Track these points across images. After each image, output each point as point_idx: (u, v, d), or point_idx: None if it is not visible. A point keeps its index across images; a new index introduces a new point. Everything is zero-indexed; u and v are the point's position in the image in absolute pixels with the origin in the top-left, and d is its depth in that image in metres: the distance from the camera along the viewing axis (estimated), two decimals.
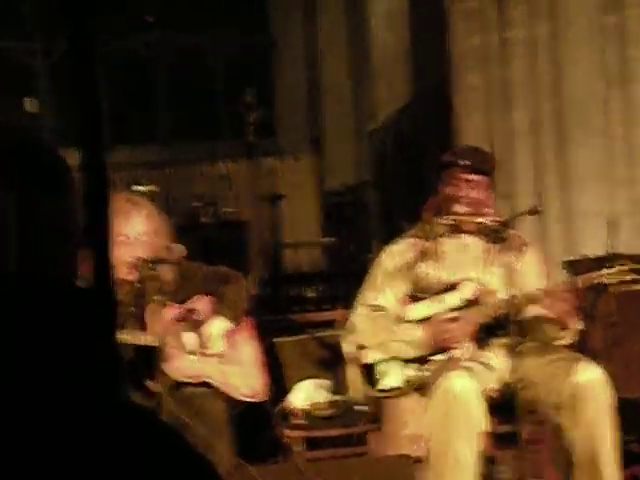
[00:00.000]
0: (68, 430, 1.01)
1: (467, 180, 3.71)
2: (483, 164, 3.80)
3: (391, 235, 4.03)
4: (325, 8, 12.23)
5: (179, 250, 3.63)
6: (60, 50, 12.01)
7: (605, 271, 3.51)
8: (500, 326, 3.64)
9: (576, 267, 5.40)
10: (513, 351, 3.37)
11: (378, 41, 11.03)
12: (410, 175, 9.68)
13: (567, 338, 3.66)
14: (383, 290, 3.81)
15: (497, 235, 3.50)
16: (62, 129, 11.23)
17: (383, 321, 3.76)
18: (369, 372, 3.81)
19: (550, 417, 3.48)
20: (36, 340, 1.02)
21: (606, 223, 5.63)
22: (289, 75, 12.59)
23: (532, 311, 3.63)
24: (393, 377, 3.75)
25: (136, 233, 3.72)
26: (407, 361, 3.73)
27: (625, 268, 3.50)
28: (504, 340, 3.64)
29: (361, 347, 3.83)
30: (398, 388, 3.74)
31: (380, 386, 3.77)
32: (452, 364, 3.58)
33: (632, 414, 4.20)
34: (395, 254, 3.83)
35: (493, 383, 3.69)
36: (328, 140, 12.34)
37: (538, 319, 3.62)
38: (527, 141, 6.46)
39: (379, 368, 3.78)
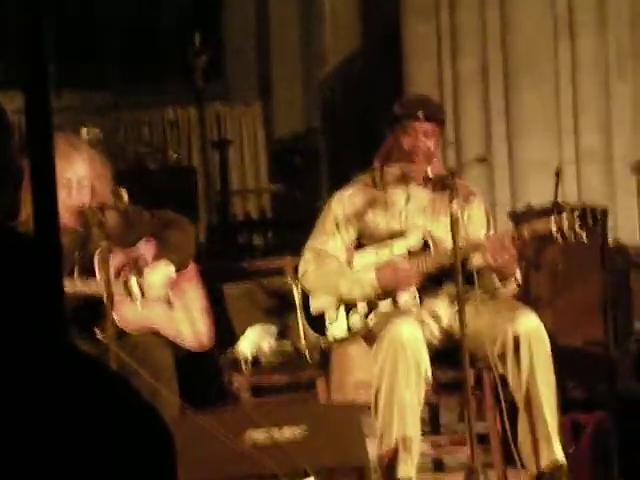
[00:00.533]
0: (13, 377, 1.00)
1: (423, 129, 3.71)
2: (437, 113, 3.82)
3: (340, 183, 4.03)
4: None
5: (124, 195, 3.58)
6: None
7: (552, 220, 3.54)
8: (445, 275, 3.67)
9: (522, 217, 5.45)
10: (458, 300, 3.40)
11: None
12: (359, 123, 9.66)
13: (509, 289, 3.70)
14: (332, 235, 3.81)
15: (444, 184, 3.52)
16: (5, 69, 11.04)
17: (333, 262, 3.77)
18: (317, 320, 3.83)
19: (492, 364, 3.53)
20: None
21: (552, 172, 5.67)
22: (238, 20, 12.46)
23: (476, 260, 3.67)
24: (339, 327, 3.78)
25: (77, 177, 3.67)
26: (353, 308, 3.75)
27: (571, 217, 3.52)
28: (449, 289, 3.67)
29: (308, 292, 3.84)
30: (344, 337, 3.77)
31: (328, 336, 3.79)
32: (399, 312, 3.61)
33: (574, 361, 4.28)
34: (345, 201, 3.83)
35: (437, 331, 3.73)
36: (277, 87, 12.26)
37: (481, 268, 3.66)
38: (475, 89, 6.48)
39: (328, 316, 3.79)
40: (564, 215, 3.52)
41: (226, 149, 10.46)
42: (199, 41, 9.78)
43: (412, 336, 3.47)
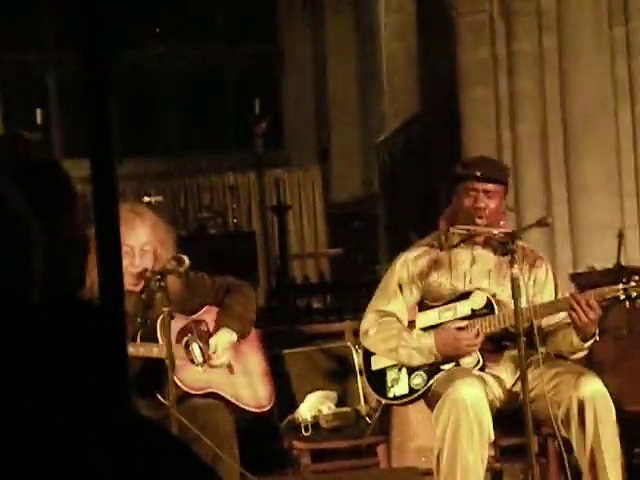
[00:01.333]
0: (77, 443, 1.01)
1: (485, 190, 3.70)
2: (499, 173, 3.81)
3: (399, 247, 4.03)
4: (334, 19, 12.25)
5: (186, 261, 3.62)
6: (70, 61, 12.05)
7: (621, 286, 3.51)
8: (509, 337, 3.64)
9: (584, 279, 5.39)
10: (520, 364, 3.36)
11: (386, 53, 11.05)
12: (417, 187, 9.68)
13: (586, 350, 3.66)
14: (395, 297, 3.80)
15: (505, 247, 3.49)
16: (71, 140, 11.27)
17: (393, 326, 3.76)
18: (378, 380, 3.81)
19: (557, 430, 3.47)
20: (46, 355, 1.02)
21: (614, 235, 5.62)
22: (297, 87, 12.61)
23: (554, 319, 3.63)
24: (401, 388, 3.75)
25: (140, 243, 3.72)
26: (415, 370, 3.72)
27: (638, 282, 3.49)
28: (512, 352, 3.63)
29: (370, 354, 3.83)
30: (406, 396, 3.74)
31: (389, 394, 3.77)
32: (461, 373, 3.57)
33: (638, 427, 4.19)
34: (409, 262, 3.82)
35: (500, 394, 3.68)
36: (336, 152, 12.34)
37: (562, 328, 3.61)
38: (534, 153, 6.46)
39: (389, 376, 3.78)
40: (632, 282, 3.49)
41: (285, 214, 10.53)
42: (259, 107, 9.91)
43: (475, 396, 3.43)
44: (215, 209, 11.24)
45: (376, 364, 3.83)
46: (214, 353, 3.79)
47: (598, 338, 3.62)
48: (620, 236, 5.55)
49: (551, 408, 3.44)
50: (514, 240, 3.46)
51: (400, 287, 3.81)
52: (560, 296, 3.78)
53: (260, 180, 10.52)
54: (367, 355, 3.86)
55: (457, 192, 3.78)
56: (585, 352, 3.68)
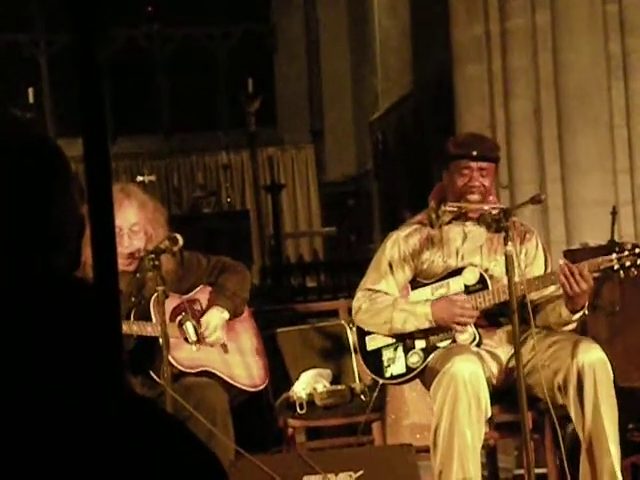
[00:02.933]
0: (71, 421, 1.01)
1: (479, 168, 3.70)
2: (492, 151, 3.81)
3: (393, 225, 4.03)
4: None
5: (179, 240, 3.62)
6: (62, 41, 12.00)
7: (614, 255, 3.51)
8: (502, 313, 3.65)
9: (577, 256, 5.40)
10: (514, 339, 3.37)
11: (379, 31, 11.02)
12: (411, 165, 9.68)
13: (574, 323, 3.67)
14: (385, 276, 3.81)
15: (499, 224, 3.50)
16: (64, 119, 11.23)
17: (385, 299, 3.75)
18: (374, 360, 3.82)
19: (553, 402, 3.48)
20: (40, 333, 1.03)
21: (607, 212, 5.62)
22: (290, 65, 12.58)
23: (545, 292, 3.64)
24: (397, 366, 3.76)
25: (129, 224, 3.71)
26: (411, 348, 3.73)
27: (635, 251, 3.50)
28: (507, 328, 3.64)
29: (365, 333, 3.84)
30: (403, 375, 3.75)
31: (386, 374, 3.78)
32: (459, 349, 3.58)
33: (632, 403, 4.21)
34: (400, 241, 3.83)
35: (496, 370, 3.69)
36: (329, 130, 12.33)
37: (551, 300, 3.62)
38: (528, 131, 6.46)
39: (385, 355, 3.78)
40: (625, 252, 3.50)
41: (279, 192, 10.53)
42: (252, 86, 9.89)
43: (473, 372, 3.43)
44: (209, 188, 11.24)
45: (371, 344, 3.83)
46: (205, 330, 3.80)
47: (587, 312, 3.62)
48: (614, 213, 5.56)
49: (545, 379, 3.45)
50: (508, 217, 3.46)
51: (391, 266, 3.81)
52: (550, 269, 3.78)
53: (254, 159, 10.51)
54: (362, 336, 3.86)
55: (449, 170, 3.78)
56: (573, 325, 3.69)
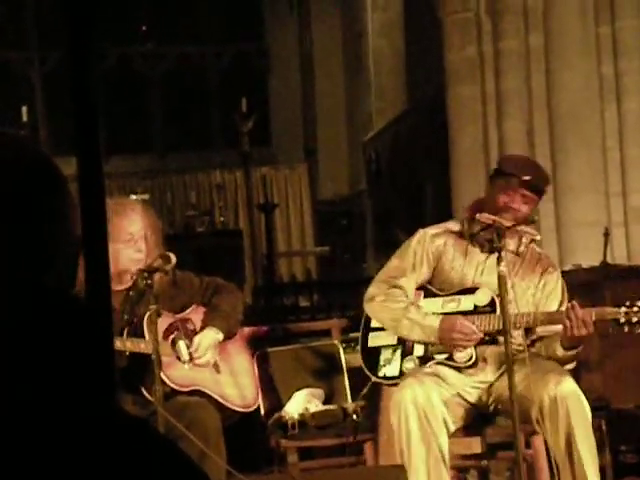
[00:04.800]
0: (61, 440, 1.01)
1: (523, 195, 3.67)
2: (542, 183, 3.77)
3: (386, 244, 4.03)
4: (320, 17, 12.26)
5: (172, 259, 3.62)
6: (55, 59, 12.02)
7: (623, 309, 3.51)
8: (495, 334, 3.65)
9: (570, 277, 5.40)
10: (507, 363, 3.36)
11: (373, 51, 11.05)
12: (405, 185, 9.69)
13: (570, 363, 3.67)
14: (407, 272, 3.78)
15: (492, 245, 3.48)
16: (58, 137, 11.24)
17: (401, 299, 3.74)
18: (372, 357, 3.82)
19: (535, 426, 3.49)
20: (32, 351, 1.02)
21: (600, 233, 5.63)
22: (284, 85, 12.61)
23: (547, 329, 3.64)
24: (392, 368, 3.77)
25: (138, 229, 3.75)
26: (409, 354, 3.73)
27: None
28: (497, 348, 3.64)
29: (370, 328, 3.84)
30: (395, 377, 3.75)
31: (380, 372, 3.78)
32: (411, 372, 3.62)
33: (625, 425, 4.21)
34: (427, 238, 3.80)
35: (480, 389, 3.69)
36: (322, 150, 12.35)
37: (552, 337, 3.62)
38: (521, 151, 6.48)
39: (383, 355, 3.79)
40: (635, 308, 3.49)
41: (272, 212, 10.54)
42: (245, 106, 9.91)
43: (421, 393, 3.49)
44: (202, 207, 11.24)
45: (373, 341, 3.84)
46: (196, 351, 3.78)
47: (581, 348, 3.62)
48: (606, 234, 5.57)
49: (527, 407, 3.46)
50: (501, 238, 3.45)
51: (413, 265, 3.79)
52: (564, 307, 3.73)
53: (247, 178, 10.51)
54: (365, 331, 3.86)
55: (494, 186, 3.74)
56: (572, 365, 3.69)
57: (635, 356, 4.80)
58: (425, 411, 3.47)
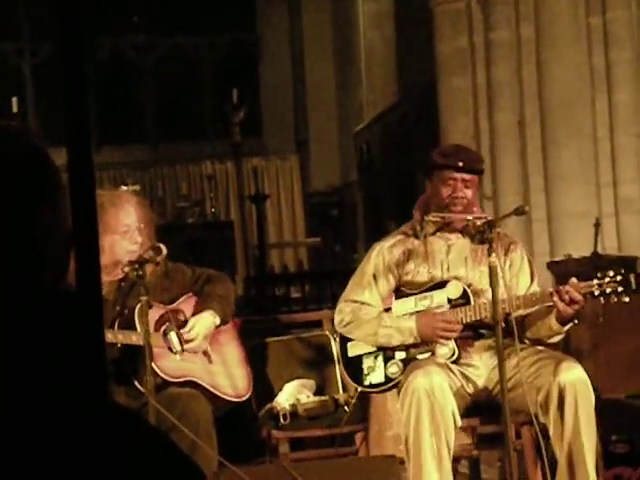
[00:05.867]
0: (52, 432, 1.01)
1: (463, 180, 3.71)
2: (476, 163, 3.81)
3: (377, 235, 4.03)
4: (311, 8, 12.23)
5: (163, 250, 3.63)
6: (47, 50, 11.98)
7: (595, 281, 3.52)
8: (485, 326, 3.65)
9: (561, 268, 5.42)
10: (498, 353, 3.37)
11: (364, 42, 11.04)
12: (396, 176, 9.69)
13: (562, 334, 3.67)
14: (370, 287, 3.81)
15: (483, 236, 3.50)
16: (48, 128, 11.21)
17: (369, 311, 3.77)
18: (355, 367, 3.82)
19: (535, 417, 3.49)
20: (22, 344, 1.02)
21: (590, 224, 5.64)
22: (275, 76, 12.59)
23: (529, 309, 3.65)
24: (377, 376, 3.77)
25: (134, 220, 3.75)
26: (391, 358, 3.74)
27: (617, 278, 3.50)
28: (488, 340, 3.65)
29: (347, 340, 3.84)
30: (382, 384, 3.76)
31: (365, 381, 3.78)
32: (424, 362, 3.60)
33: (616, 415, 4.22)
34: (384, 251, 3.83)
35: (475, 382, 3.70)
36: (314, 141, 12.34)
37: (540, 316, 3.62)
38: (512, 142, 6.49)
39: (365, 364, 3.79)
40: (607, 278, 3.50)
41: (263, 203, 10.53)
42: (236, 97, 9.89)
43: (436, 384, 3.46)
44: (193, 198, 11.23)
45: (352, 351, 3.83)
46: (189, 332, 3.77)
47: (577, 321, 3.63)
48: (597, 225, 5.58)
49: (529, 395, 3.46)
50: (492, 229, 3.47)
51: (375, 277, 3.81)
52: (536, 281, 3.80)
53: (238, 169, 10.50)
54: (344, 342, 3.87)
55: (433, 180, 3.79)
56: (562, 335, 3.70)
57: (625, 346, 4.81)
58: (438, 404, 3.45)
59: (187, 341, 3.78)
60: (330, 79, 12.18)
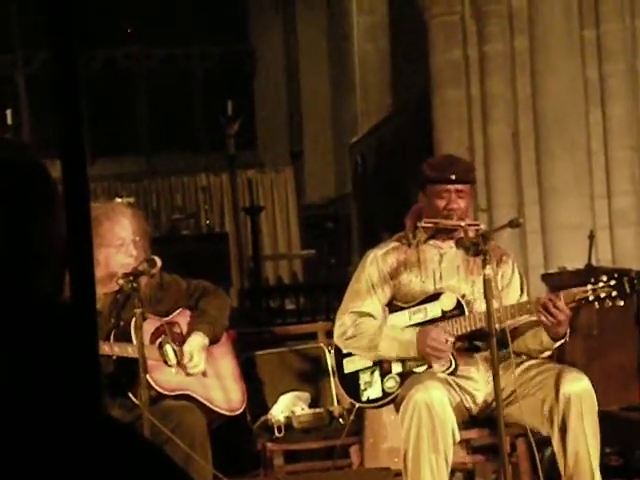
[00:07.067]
0: (45, 446, 1.00)
1: (457, 191, 3.71)
2: (468, 173, 3.81)
3: (372, 247, 4.02)
4: (305, 20, 12.26)
5: (157, 262, 3.62)
6: (40, 61, 11.98)
7: (589, 287, 3.52)
8: (481, 338, 3.65)
9: (555, 280, 5.42)
10: (492, 364, 3.37)
11: (359, 54, 11.06)
12: (391, 188, 9.70)
13: (552, 350, 3.67)
14: (369, 296, 3.79)
15: (477, 248, 3.50)
16: (42, 140, 11.21)
17: (371, 324, 3.75)
18: (351, 383, 3.81)
19: (532, 429, 3.48)
20: (15, 354, 1.02)
21: (585, 236, 5.65)
22: (269, 88, 12.61)
23: (520, 318, 3.64)
24: (374, 390, 3.75)
25: (129, 233, 3.74)
26: (388, 373, 3.73)
27: (610, 283, 3.51)
28: (485, 353, 3.64)
29: (345, 354, 3.83)
30: (379, 399, 3.74)
31: (363, 397, 3.77)
32: (424, 376, 3.58)
33: (610, 427, 4.22)
34: (378, 259, 3.81)
35: (472, 396, 3.69)
36: (308, 153, 12.35)
37: (531, 327, 3.62)
38: (506, 154, 6.50)
39: (362, 379, 3.77)
40: (600, 283, 3.50)
41: (258, 215, 10.53)
42: (231, 109, 9.90)
43: (436, 398, 3.44)
44: (188, 210, 11.23)
45: (348, 367, 3.82)
46: (190, 361, 3.77)
47: (568, 338, 3.63)
48: (591, 237, 5.59)
49: (532, 407, 3.45)
50: (486, 241, 3.46)
51: (372, 285, 3.80)
52: (526, 292, 3.80)
53: (233, 181, 10.51)
54: (339, 358, 3.85)
55: (426, 193, 3.78)
56: (551, 351, 3.69)
57: (619, 358, 4.81)
58: (438, 419, 3.43)
59: (190, 368, 3.78)
60: (325, 91, 12.20)
